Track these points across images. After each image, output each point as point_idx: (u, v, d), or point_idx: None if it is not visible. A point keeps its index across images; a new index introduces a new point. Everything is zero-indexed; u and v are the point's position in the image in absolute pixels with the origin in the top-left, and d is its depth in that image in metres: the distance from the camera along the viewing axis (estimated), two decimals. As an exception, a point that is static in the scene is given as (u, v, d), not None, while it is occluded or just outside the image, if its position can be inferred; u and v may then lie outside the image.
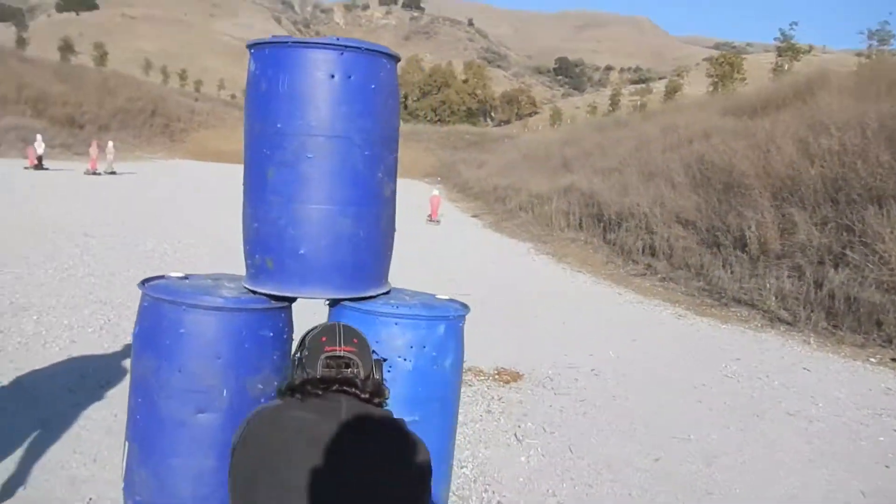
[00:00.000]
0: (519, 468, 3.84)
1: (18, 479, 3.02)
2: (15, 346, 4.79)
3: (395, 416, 1.59)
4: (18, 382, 4.13)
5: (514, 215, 20.04)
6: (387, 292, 2.99)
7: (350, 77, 2.60)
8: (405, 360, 2.73)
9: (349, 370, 1.55)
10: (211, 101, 58.63)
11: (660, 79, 73.70)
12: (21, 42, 48.46)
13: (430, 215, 17.79)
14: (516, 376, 5.48)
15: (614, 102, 41.66)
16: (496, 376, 5.42)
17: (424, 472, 1.51)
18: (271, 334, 2.76)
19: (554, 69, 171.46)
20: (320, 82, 2.57)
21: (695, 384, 5.72)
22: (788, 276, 9.30)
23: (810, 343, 7.46)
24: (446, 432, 2.89)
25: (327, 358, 1.55)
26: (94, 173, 21.58)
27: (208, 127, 49.24)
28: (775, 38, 24.82)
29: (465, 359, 5.62)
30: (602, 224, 15.44)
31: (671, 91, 34.61)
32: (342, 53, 2.58)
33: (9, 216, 11.10)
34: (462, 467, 3.77)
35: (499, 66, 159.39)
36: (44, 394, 4.00)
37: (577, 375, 5.67)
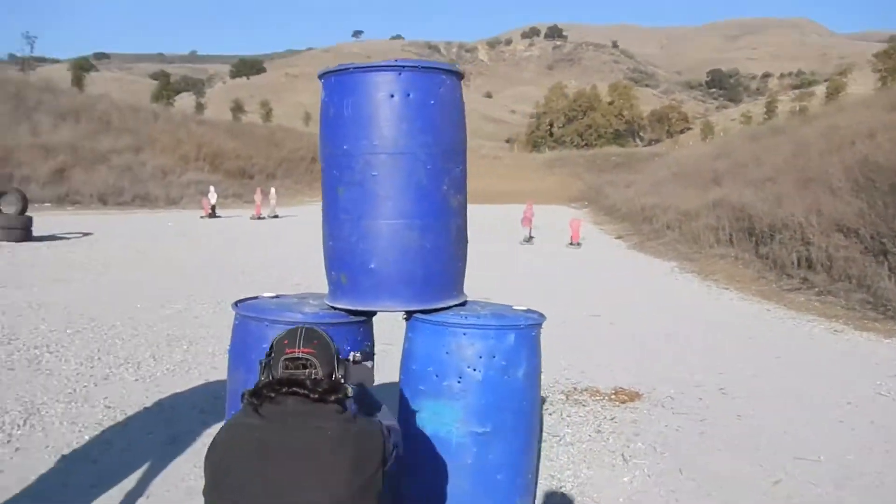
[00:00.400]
0: (620, 488, 3.71)
1: (141, 488, 3.37)
2: (163, 373, 5.35)
3: (344, 413, 1.62)
4: (159, 404, 4.61)
5: (660, 234, 19.30)
6: (462, 304, 3.07)
7: (409, 95, 2.73)
8: (475, 370, 2.78)
9: (307, 371, 1.63)
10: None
11: (824, 81, 68.13)
12: (199, 107, 54.10)
13: (570, 238, 17.60)
14: (634, 396, 5.29)
15: (770, 109, 39.05)
16: (612, 396, 5.26)
17: (358, 463, 1.54)
18: (349, 348, 2.92)
19: (706, 82, 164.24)
20: (381, 103, 2.73)
21: (839, 402, 5.22)
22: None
23: None
24: (521, 443, 2.89)
25: (286, 360, 1.65)
26: (259, 218, 23.49)
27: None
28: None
29: (578, 379, 5.55)
30: (754, 238, 14.49)
31: (833, 91, 31.91)
32: (400, 74, 2.72)
33: (178, 258, 12.40)
34: (560, 487, 3.71)
35: (647, 85, 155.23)
36: (178, 414, 4.44)
37: (702, 395, 5.37)
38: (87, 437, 3.98)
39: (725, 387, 5.58)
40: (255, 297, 3.18)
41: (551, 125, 75.86)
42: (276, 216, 24.61)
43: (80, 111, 31.21)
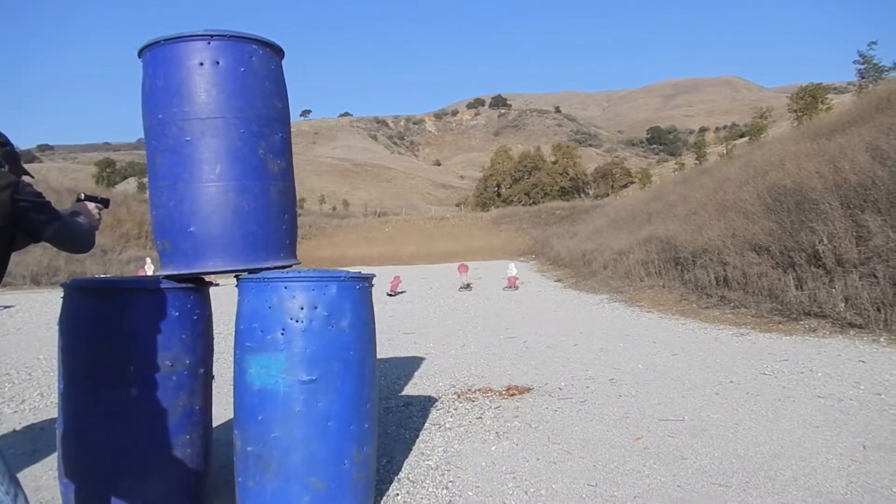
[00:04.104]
0: (486, 456, 3.75)
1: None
2: (45, 405, 5.26)
3: None
4: (31, 427, 4.54)
5: (595, 274, 19.69)
6: (289, 267, 3.15)
7: (218, 63, 2.88)
8: (297, 321, 2.84)
9: None
10: (312, 214, 61.96)
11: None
12: (142, 187, 53.86)
13: (507, 283, 17.86)
14: (525, 390, 5.36)
15: (700, 155, 40.75)
16: (503, 392, 5.33)
17: None
18: (177, 314, 2.97)
19: (647, 139, 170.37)
20: (191, 70, 2.86)
21: (721, 382, 5.38)
22: (861, 279, 8.65)
23: (880, 341, 6.86)
24: (351, 392, 2.92)
25: None
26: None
27: (310, 238, 52.00)
28: (855, 61, 23.86)
29: (474, 382, 5.61)
30: (679, 266, 14.94)
31: (756, 132, 33.53)
32: (209, 42, 2.87)
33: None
34: (427, 460, 3.74)
35: (590, 145, 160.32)
36: (46, 433, 4.36)
37: (591, 385, 5.48)
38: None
39: (616, 378, 5.71)
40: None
41: (498, 186, 77.35)
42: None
43: (15, 195, 30.73)
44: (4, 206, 1.88)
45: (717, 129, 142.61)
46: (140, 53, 3.01)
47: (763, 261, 11.86)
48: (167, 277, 2.98)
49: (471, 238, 45.79)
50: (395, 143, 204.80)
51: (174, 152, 2.89)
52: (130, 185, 65.39)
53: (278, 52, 3.14)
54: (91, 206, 2.39)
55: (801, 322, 8.50)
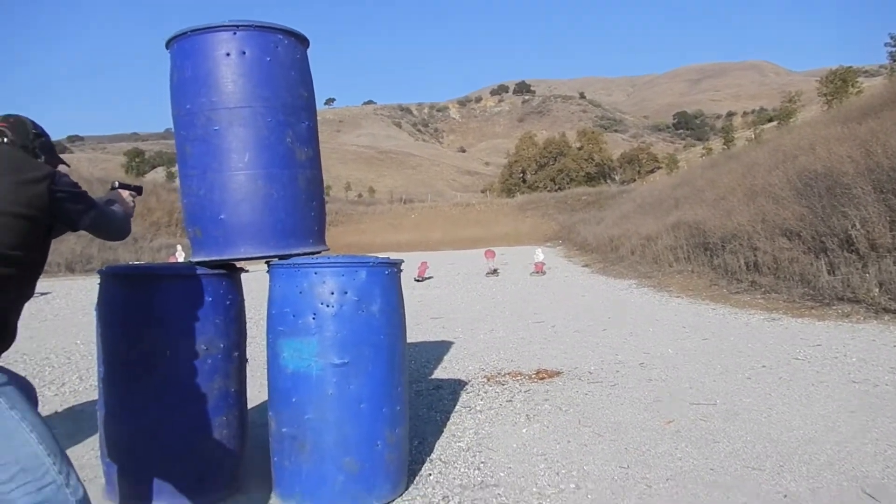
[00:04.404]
0: (517, 438, 3.77)
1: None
2: (85, 388, 5.38)
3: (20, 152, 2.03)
4: (70, 410, 4.66)
5: (623, 259, 19.57)
6: (319, 253, 3.18)
7: (245, 53, 2.91)
8: (328, 306, 2.87)
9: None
10: (338, 201, 62.26)
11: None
12: (170, 176, 54.54)
13: (534, 268, 17.82)
14: (554, 374, 5.37)
15: (728, 140, 40.13)
16: (533, 376, 5.34)
17: (18, 178, 1.90)
18: (210, 299, 3.02)
19: (673, 124, 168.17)
20: (218, 61, 2.90)
21: (753, 367, 5.33)
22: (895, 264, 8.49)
23: (917, 326, 6.73)
24: (382, 375, 2.95)
25: None
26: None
27: (337, 224, 52.32)
28: (886, 43, 23.28)
29: (503, 366, 5.63)
30: (708, 251, 14.79)
31: (785, 116, 32.91)
32: (235, 33, 2.90)
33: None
34: (458, 441, 3.77)
35: (616, 131, 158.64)
36: (86, 415, 4.46)
37: (622, 369, 5.47)
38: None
39: (646, 362, 5.68)
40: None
41: (523, 172, 76.95)
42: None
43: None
44: (41, 198, 1.92)
45: (745, 113, 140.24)
46: (167, 45, 3.05)
47: (794, 246, 11.70)
48: (199, 264, 3.03)
49: (496, 224, 45.72)
50: (419, 131, 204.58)
51: (203, 142, 2.93)
52: (159, 174, 66.21)
53: (303, 41, 3.16)
54: (125, 193, 2.44)
55: (834, 307, 8.38)
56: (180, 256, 23.29)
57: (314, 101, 3.21)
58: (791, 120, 30.84)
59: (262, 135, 2.92)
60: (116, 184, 2.44)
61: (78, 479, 1.87)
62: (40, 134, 2.18)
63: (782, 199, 13.33)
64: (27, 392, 2.03)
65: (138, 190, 2.51)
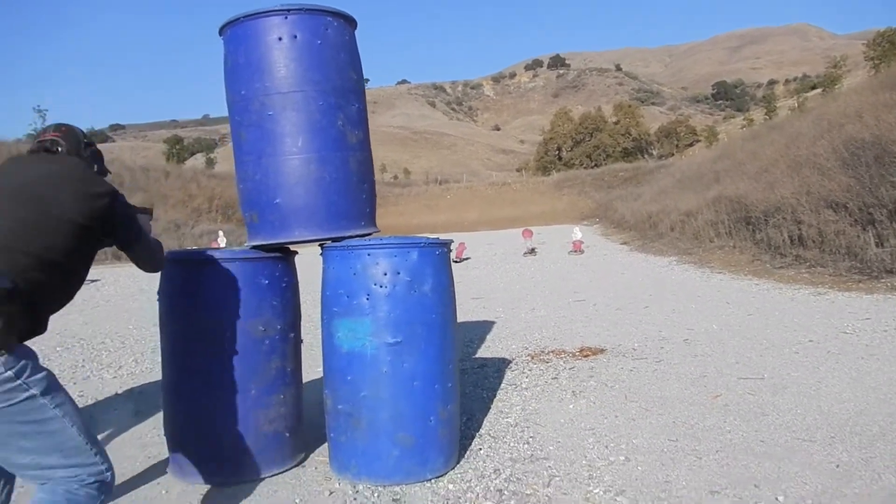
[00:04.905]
0: (564, 414, 3.83)
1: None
2: (141, 371, 5.59)
3: (80, 163, 2.16)
4: (130, 391, 4.86)
5: (662, 236, 19.35)
6: (370, 234, 3.26)
7: (296, 37, 2.97)
8: (381, 287, 2.95)
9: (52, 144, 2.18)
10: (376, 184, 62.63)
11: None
12: (210, 162, 55.45)
13: (573, 247, 17.75)
14: (598, 351, 5.40)
15: (770, 110, 39.11)
16: (577, 353, 5.39)
17: (64, 181, 2.03)
18: (266, 282, 3.12)
19: (713, 95, 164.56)
20: (270, 46, 2.97)
21: (800, 341, 5.30)
22: (949, 235, 8.28)
23: (973, 297, 6.58)
24: (435, 353, 3.02)
25: (37, 140, 2.23)
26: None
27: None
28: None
29: (547, 344, 5.68)
30: (750, 226, 14.55)
31: (829, 83, 31.92)
32: (286, 17, 2.96)
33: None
34: (505, 417, 3.84)
35: (653, 104, 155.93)
36: (145, 396, 4.64)
37: (666, 345, 5.47)
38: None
39: (690, 338, 5.68)
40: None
41: (559, 149, 76.23)
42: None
43: (93, 175, 32.12)
44: (101, 211, 2.04)
45: (787, 81, 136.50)
46: (221, 31, 3.12)
47: (840, 218, 11.45)
48: (256, 248, 3.13)
49: (533, 203, 45.47)
50: (453, 109, 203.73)
51: (258, 127, 3.01)
52: (199, 160, 67.28)
53: (351, 22, 3.20)
54: (143, 217, 2.48)
55: (883, 280, 8.22)
56: (222, 242, 23.70)
57: (363, 83, 3.27)
58: (836, 87, 29.93)
59: (315, 118, 2.99)
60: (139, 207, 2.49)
61: (107, 457, 2.01)
62: (90, 143, 2.30)
63: (828, 170, 13.03)
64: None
65: (150, 213, 2.59)
